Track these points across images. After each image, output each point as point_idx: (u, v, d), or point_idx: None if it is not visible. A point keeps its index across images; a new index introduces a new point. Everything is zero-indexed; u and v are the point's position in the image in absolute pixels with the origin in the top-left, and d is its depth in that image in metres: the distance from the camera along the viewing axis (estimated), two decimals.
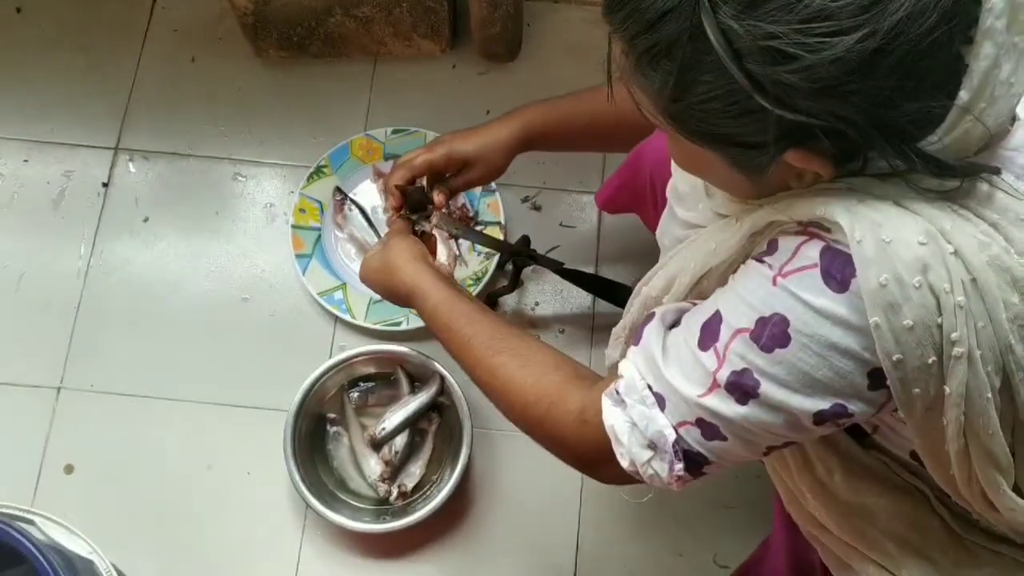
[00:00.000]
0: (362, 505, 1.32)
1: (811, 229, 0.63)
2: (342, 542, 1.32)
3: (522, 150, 1.05)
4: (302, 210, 1.45)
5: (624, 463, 0.71)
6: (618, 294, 1.37)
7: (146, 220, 1.49)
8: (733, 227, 0.70)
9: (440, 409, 1.35)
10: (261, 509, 1.34)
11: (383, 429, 1.31)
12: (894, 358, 0.59)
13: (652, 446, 0.69)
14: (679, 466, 0.68)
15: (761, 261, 0.65)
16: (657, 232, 0.90)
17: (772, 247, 0.64)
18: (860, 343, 0.60)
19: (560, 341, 1.42)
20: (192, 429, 1.37)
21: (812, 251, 0.61)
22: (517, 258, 1.34)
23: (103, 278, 1.46)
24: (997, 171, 0.60)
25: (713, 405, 0.65)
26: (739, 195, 0.71)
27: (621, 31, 0.59)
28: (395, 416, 1.31)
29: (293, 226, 1.44)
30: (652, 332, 0.72)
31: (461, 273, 1.42)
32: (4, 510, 1.17)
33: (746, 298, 0.64)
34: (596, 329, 1.43)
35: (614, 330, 0.89)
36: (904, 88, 0.54)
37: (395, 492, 1.31)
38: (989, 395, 0.60)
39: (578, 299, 1.45)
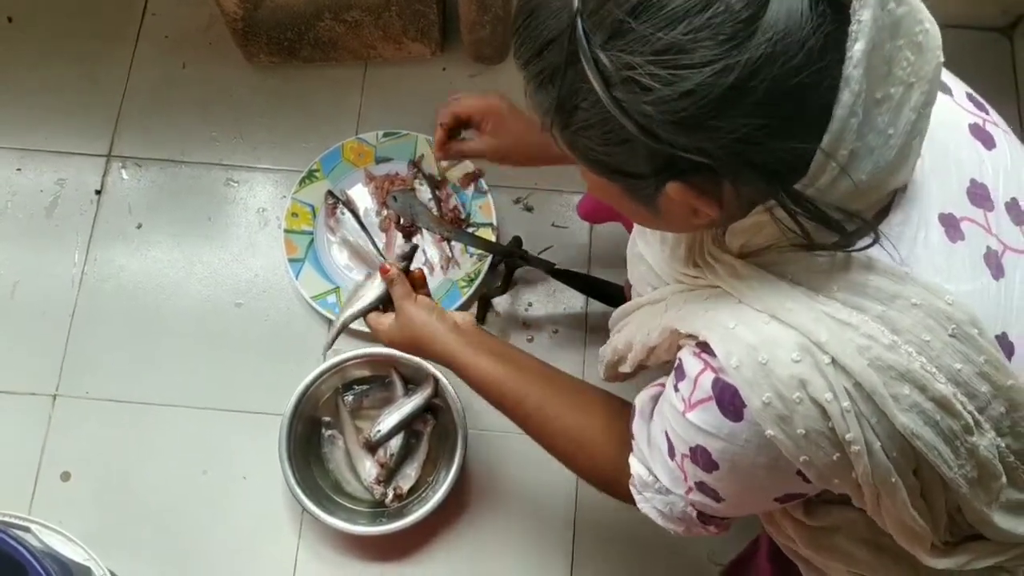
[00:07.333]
0: (358, 508, 1.32)
1: (703, 355, 0.66)
2: (338, 545, 1.32)
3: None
4: (294, 214, 1.46)
5: (672, 534, 0.79)
6: (610, 294, 1.37)
7: (139, 227, 1.50)
8: (660, 315, 0.76)
9: (434, 411, 1.36)
10: (257, 513, 1.34)
11: (378, 431, 1.31)
12: (801, 460, 0.63)
13: (682, 521, 0.77)
14: (712, 527, 0.77)
15: (676, 389, 0.69)
16: (627, 249, 0.92)
17: (680, 371, 0.69)
18: (774, 454, 0.64)
19: (554, 341, 1.43)
20: (187, 434, 1.38)
21: (706, 382, 0.65)
22: (509, 259, 1.35)
23: (97, 285, 1.46)
24: (875, 228, 0.60)
25: (697, 500, 0.73)
26: (652, 227, 0.74)
27: (517, 56, 0.61)
28: (390, 418, 1.32)
29: (285, 230, 1.45)
30: (638, 428, 0.79)
31: (454, 275, 1.43)
32: (1, 518, 1.17)
33: (675, 428, 0.70)
34: (589, 329, 1.43)
35: (600, 351, 0.93)
36: (769, 127, 0.53)
37: (391, 494, 1.31)
38: (895, 479, 0.63)
39: (571, 299, 1.45)
